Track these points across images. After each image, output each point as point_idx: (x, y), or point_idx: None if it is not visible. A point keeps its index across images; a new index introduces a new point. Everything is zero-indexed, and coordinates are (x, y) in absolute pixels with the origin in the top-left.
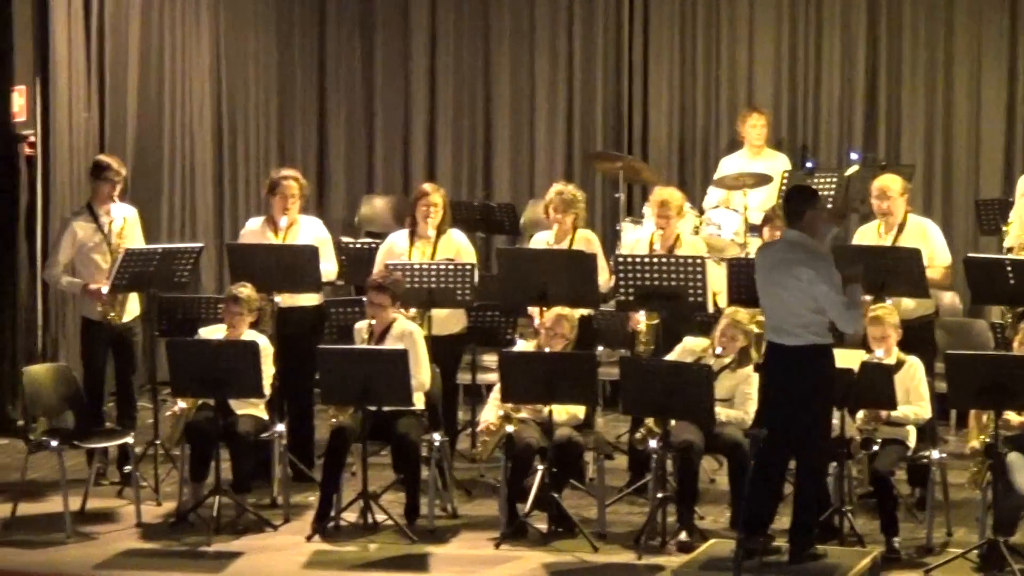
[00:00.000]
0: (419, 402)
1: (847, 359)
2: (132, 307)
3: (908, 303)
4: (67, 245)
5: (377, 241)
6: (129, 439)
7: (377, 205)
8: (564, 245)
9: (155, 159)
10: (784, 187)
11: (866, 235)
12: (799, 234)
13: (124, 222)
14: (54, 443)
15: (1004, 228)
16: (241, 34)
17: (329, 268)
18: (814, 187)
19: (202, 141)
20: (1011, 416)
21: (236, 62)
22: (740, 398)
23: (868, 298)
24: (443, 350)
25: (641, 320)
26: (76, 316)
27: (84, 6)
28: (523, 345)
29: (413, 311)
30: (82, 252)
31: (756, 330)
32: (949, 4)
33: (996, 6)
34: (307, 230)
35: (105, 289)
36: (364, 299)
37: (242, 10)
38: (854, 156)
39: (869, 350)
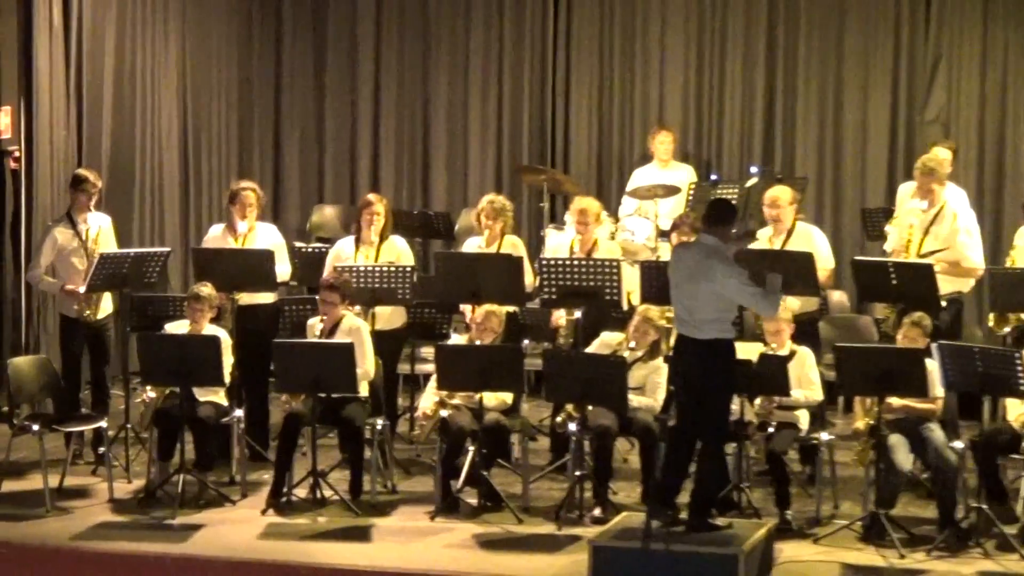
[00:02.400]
0: (364, 390)
1: (746, 351)
2: (106, 305)
3: (793, 301)
4: (48, 250)
5: (326, 246)
6: (103, 423)
7: (326, 213)
8: (494, 249)
9: (127, 173)
10: (690, 197)
11: (760, 241)
12: (715, 239)
13: (99, 229)
14: (35, 427)
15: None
16: (205, 61)
17: (283, 270)
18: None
19: (169, 156)
20: (892, 401)
21: (200, 86)
22: (651, 386)
23: None
24: (386, 343)
25: (562, 316)
26: (56, 313)
27: (64, 35)
28: (457, 339)
29: (359, 308)
30: (62, 256)
31: (666, 325)
32: (839, 33)
33: (881, 35)
34: (264, 236)
35: (82, 289)
36: (316, 297)
37: (206, 39)
38: (753, 170)
39: (766, 343)
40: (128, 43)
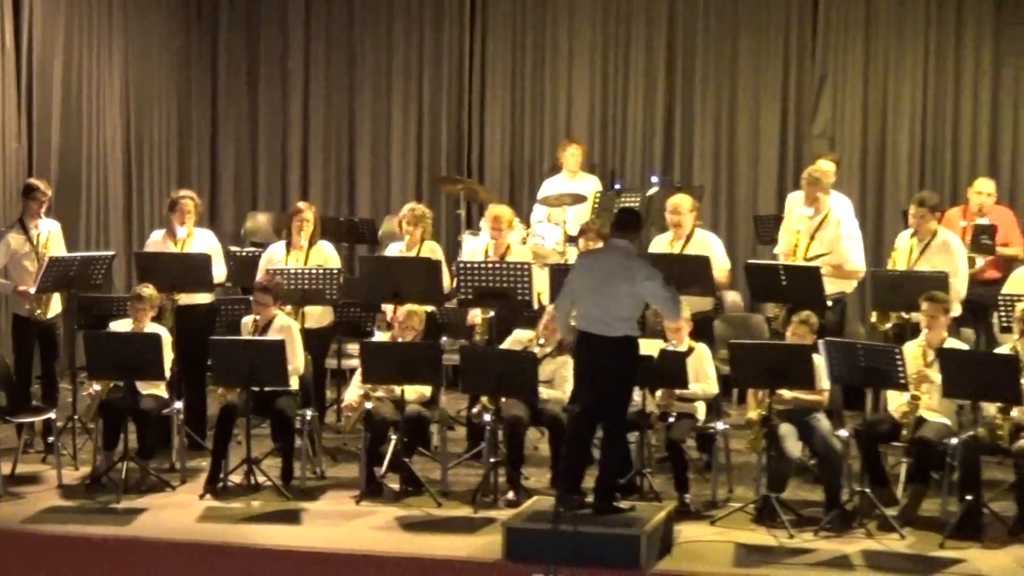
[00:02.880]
0: (294, 383)
1: (648, 347)
2: (55, 305)
3: (692, 300)
4: (2, 254)
5: (260, 250)
6: (52, 415)
7: (259, 220)
8: (414, 253)
9: (75, 182)
10: (596, 205)
11: (659, 244)
12: (626, 243)
13: (49, 234)
14: None
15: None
16: (146, 79)
17: (220, 272)
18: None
19: (114, 167)
20: (783, 393)
21: (142, 102)
22: (559, 380)
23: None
24: (314, 340)
25: (478, 315)
26: (8, 313)
27: (15, 54)
28: (380, 336)
29: (290, 308)
30: (14, 259)
31: (573, 324)
32: (733, 54)
33: (771, 56)
34: (201, 241)
35: (33, 290)
36: (250, 298)
37: (147, 59)
38: (654, 179)
39: (666, 340)
40: (75, 62)
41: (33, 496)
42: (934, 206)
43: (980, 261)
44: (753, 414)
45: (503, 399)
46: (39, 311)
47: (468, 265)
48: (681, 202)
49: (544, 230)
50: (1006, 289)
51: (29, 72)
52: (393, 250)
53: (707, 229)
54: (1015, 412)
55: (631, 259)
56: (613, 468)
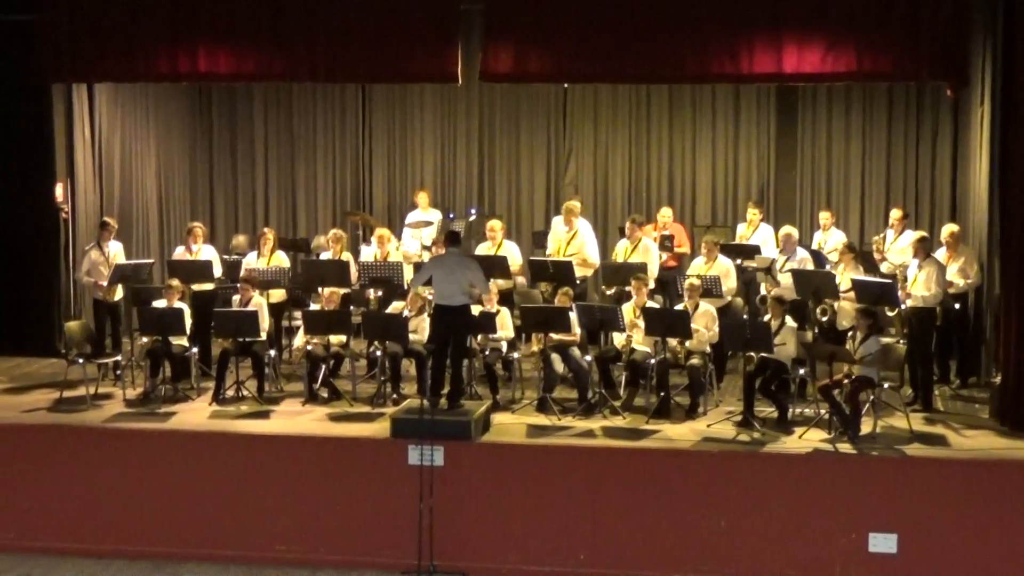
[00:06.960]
0: (263, 336)
1: (473, 310)
2: (119, 292)
3: (500, 281)
4: (85, 264)
5: (242, 258)
6: (119, 357)
7: (240, 239)
8: (336, 258)
9: (128, 218)
10: (440, 227)
11: (481, 250)
12: (456, 249)
13: (116, 253)
14: (80, 360)
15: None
16: (169, 156)
17: (218, 271)
18: (455, 229)
19: (152, 209)
20: (552, 335)
21: (168, 169)
22: (420, 331)
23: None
24: (275, 310)
25: (372, 293)
26: (90, 297)
27: (91, 140)
28: (314, 307)
29: (259, 291)
30: (94, 266)
31: (428, 297)
32: (517, 134)
33: (538, 136)
34: (206, 252)
35: (105, 284)
36: (237, 286)
37: (170, 143)
38: (473, 211)
39: (483, 306)
40: (127, 144)
41: (108, 406)
42: (641, 222)
43: (664, 256)
44: (535, 348)
45: (388, 342)
46: (108, 296)
47: (365, 264)
48: (495, 224)
49: (409, 243)
50: (687, 272)
51: (100, 152)
52: (324, 256)
53: (510, 239)
54: (688, 343)
55: (462, 258)
56: (458, 381)
